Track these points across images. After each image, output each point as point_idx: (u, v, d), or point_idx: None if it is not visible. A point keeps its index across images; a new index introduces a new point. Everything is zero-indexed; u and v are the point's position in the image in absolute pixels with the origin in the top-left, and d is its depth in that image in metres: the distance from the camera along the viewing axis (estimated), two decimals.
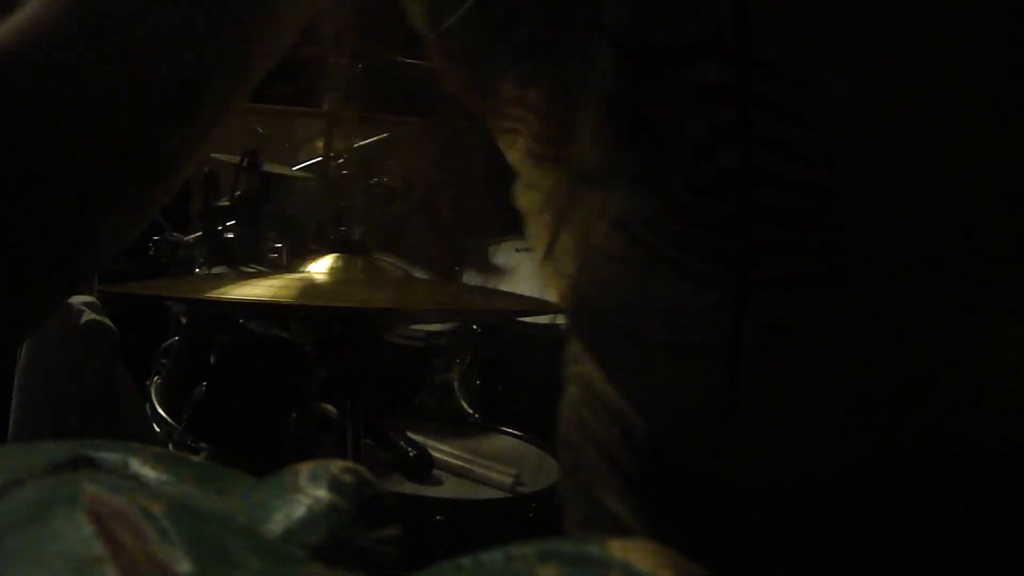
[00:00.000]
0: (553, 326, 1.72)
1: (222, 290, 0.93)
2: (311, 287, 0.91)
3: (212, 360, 1.51)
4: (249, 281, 1.00)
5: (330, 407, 1.43)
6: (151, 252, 1.79)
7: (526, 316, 1.05)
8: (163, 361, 1.67)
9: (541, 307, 1.04)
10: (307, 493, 0.27)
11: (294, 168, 2.27)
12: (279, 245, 1.89)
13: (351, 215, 1.91)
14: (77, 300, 1.18)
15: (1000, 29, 0.51)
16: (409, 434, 1.38)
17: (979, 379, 0.60)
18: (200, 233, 1.84)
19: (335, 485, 0.28)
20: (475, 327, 1.78)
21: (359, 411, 0.98)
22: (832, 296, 0.55)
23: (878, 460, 0.62)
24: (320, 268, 0.97)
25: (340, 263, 0.97)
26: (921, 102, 0.51)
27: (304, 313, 0.97)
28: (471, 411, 1.74)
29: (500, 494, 1.34)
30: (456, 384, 1.79)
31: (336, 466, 0.30)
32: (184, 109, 0.50)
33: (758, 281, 0.56)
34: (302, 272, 0.97)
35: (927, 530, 0.63)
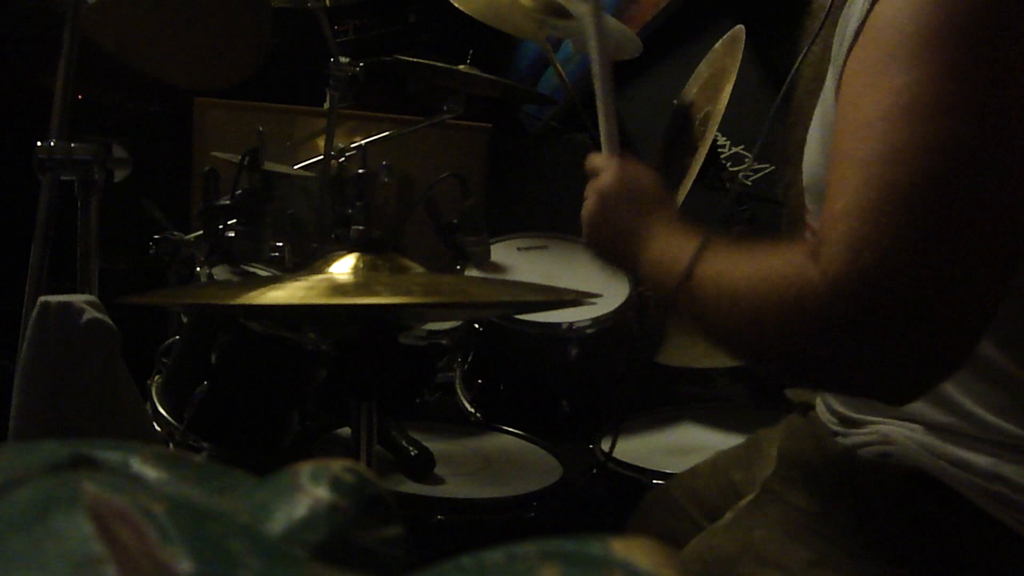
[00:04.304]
0: (555, 325, 1.72)
1: (251, 296, 0.91)
2: (339, 287, 0.90)
3: (213, 359, 1.51)
4: (274, 284, 0.99)
5: (344, 430, 1.43)
6: (152, 251, 1.79)
7: (556, 308, 1.05)
8: (164, 360, 1.67)
9: (572, 298, 1.05)
10: (308, 492, 0.27)
11: (295, 167, 2.26)
12: (280, 244, 1.88)
13: (368, 214, 1.90)
14: (78, 299, 1.18)
15: None
16: (411, 433, 1.38)
17: None
18: (201, 232, 1.83)
19: (336, 484, 0.27)
20: (476, 326, 1.77)
21: (373, 414, 0.98)
22: None
23: None
24: (343, 268, 0.96)
25: (363, 262, 0.96)
26: None
27: (343, 315, 0.96)
28: (472, 410, 1.74)
29: (500, 493, 1.34)
30: (458, 383, 1.79)
31: (337, 466, 0.30)
32: None
33: None
34: (326, 273, 0.95)
35: None
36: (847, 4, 0.84)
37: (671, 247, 0.90)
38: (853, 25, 0.80)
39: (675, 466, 1.40)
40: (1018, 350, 0.82)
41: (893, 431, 0.88)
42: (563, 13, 2.04)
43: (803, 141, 0.94)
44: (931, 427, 0.86)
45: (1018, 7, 0.72)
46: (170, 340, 1.73)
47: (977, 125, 0.70)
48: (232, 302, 0.96)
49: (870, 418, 0.91)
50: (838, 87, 0.81)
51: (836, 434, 0.94)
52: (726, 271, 0.81)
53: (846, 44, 0.81)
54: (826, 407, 0.98)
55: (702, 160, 1.62)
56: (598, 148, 1.13)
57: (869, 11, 0.77)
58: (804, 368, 0.78)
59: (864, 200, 0.70)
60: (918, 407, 0.86)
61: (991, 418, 0.83)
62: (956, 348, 0.72)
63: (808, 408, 1.03)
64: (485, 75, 2.19)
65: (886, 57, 0.74)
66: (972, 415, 0.83)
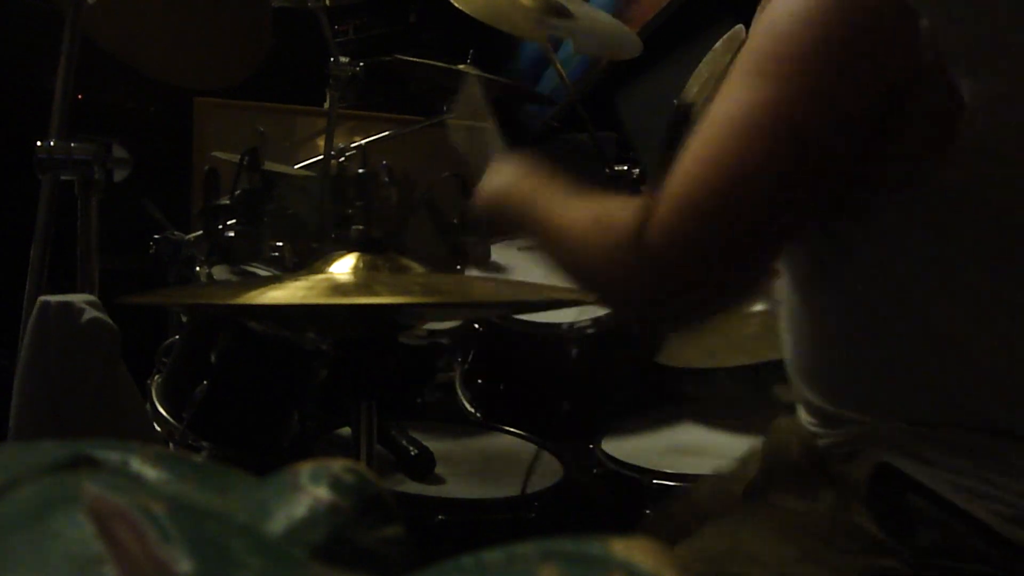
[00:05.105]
0: (555, 325, 1.72)
1: (251, 296, 0.91)
2: (339, 287, 0.90)
3: (213, 359, 1.51)
4: (274, 284, 0.99)
5: (345, 430, 1.43)
6: (152, 251, 1.79)
7: (556, 308, 1.07)
8: (164, 360, 1.67)
9: (571, 297, 1.06)
10: (308, 492, 0.27)
11: (295, 167, 2.26)
12: (280, 244, 1.88)
13: (368, 214, 1.90)
14: (78, 299, 1.18)
15: None
16: (411, 433, 1.38)
17: None
18: (201, 232, 1.83)
19: (336, 484, 0.27)
20: (476, 326, 1.77)
21: (373, 414, 0.98)
22: None
23: None
24: (343, 268, 0.96)
25: (363, 262, 0.96)
26: None
27: (343, 315, 0.97)
28: (472, 410, 1.74)
29: (501, 493, 1.34)
30: (458, 383, 1.79)
31: (337, 465, 0.30)
32: None
33: None
34: (326, 273, 0.95)
35: None
36: None
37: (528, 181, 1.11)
38: None
39: (675, 466, 1.40)
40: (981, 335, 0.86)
41: (866, 432, 0.91)
42: (563, 13, 2.04)
43: None
44: (911, 422, 0.88)
45: (860, 46, 0.80)
46: (170, 340, 1.73)
47: (788, 150, 0.81)
48: (232, 302, 0.96)
49: (848, 413, 0.93)
50: None
51: (816, 435, 0.97)
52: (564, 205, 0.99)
53: None
54: (805, 406, 1.00)
55: None
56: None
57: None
58: (619, 291, 0.93)
59: (683, 191, 0.84)
60: (898, 399, 0.89)
61: (967, 400, 0.86)
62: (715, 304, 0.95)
63: (795, 409, 1.05)
64: (485, 75, 2.19)
65: (738, 67, 0.85)
66: (952, 398, 0.87)
